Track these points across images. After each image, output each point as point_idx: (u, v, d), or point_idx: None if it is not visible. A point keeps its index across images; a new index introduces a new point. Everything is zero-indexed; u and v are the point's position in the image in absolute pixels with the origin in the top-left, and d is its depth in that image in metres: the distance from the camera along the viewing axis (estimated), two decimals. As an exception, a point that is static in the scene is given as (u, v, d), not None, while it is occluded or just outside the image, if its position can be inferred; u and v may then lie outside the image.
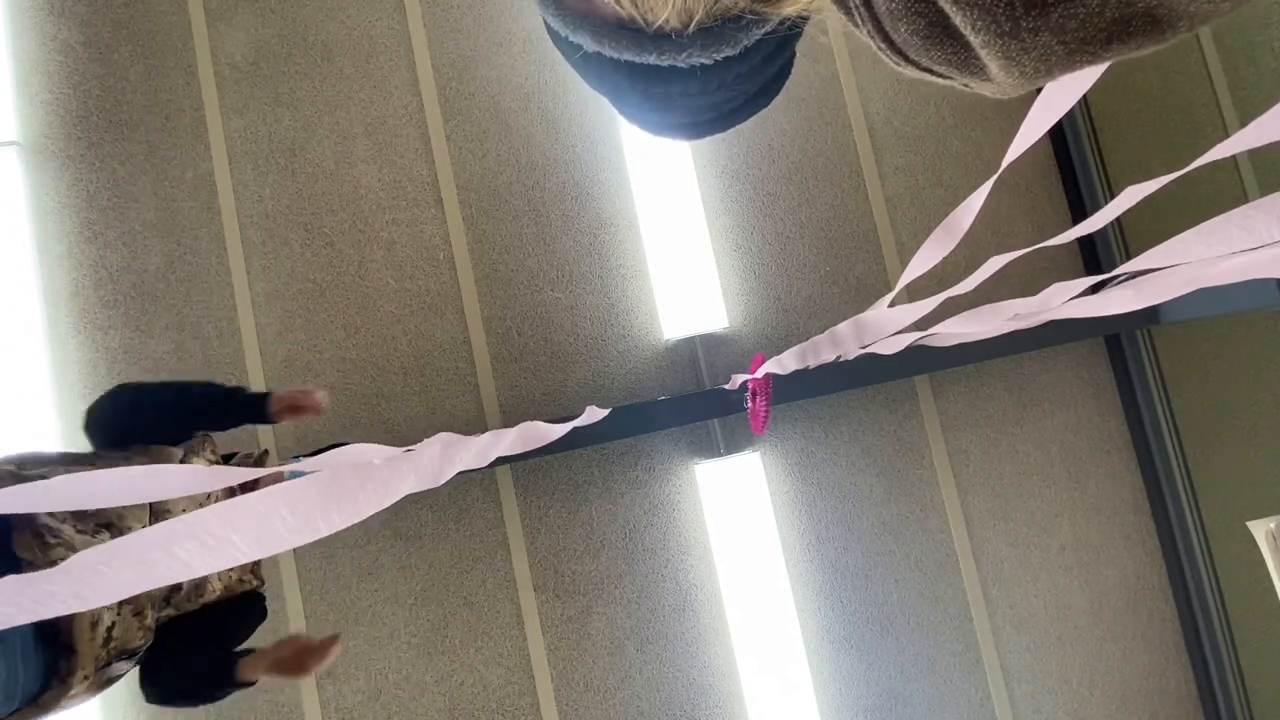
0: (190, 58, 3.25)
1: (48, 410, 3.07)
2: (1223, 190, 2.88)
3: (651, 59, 0.49)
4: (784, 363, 2.15)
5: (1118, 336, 3.41)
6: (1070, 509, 3.38)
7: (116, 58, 3.22)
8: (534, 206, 3.33)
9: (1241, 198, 2.84)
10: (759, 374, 2.53)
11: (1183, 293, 1.02)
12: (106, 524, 1.48)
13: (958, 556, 3.31)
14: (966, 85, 0.40)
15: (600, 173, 3.36)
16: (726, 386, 3.07)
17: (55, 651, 1.32)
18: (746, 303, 3.37)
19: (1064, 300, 1.24)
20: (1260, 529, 2.22)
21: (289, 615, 3.02)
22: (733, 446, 3.26)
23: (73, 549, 1.38)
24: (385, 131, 3.32)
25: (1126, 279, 1.15)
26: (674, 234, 3.33)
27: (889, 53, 0.39)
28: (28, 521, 1.35)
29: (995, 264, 1.22)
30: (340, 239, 3.26)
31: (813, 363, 2.01)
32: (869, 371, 3.12)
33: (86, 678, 1.35)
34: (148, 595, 1.48)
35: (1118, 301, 1.19)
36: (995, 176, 1.19)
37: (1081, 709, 3.30)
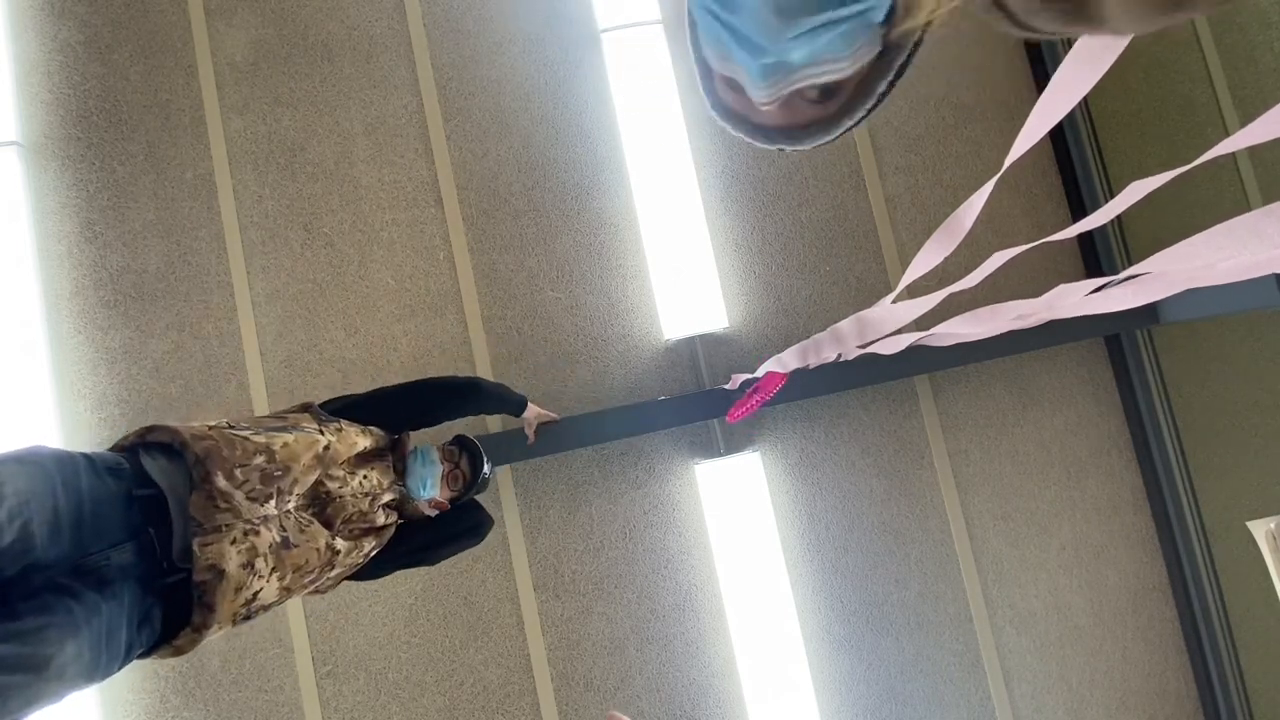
0: (190, 57, 3.25)
1: (48, 410, 3.07)
2: (1223, 192, 2.88)
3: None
4: (784, 360, 2.15)
5: (1118, 336, 3.41)
6: (1070, 509, 3.38)
7: (116, 58, 3.22)
8: (534, 206, 3.33)
9: (1241, 197, 2.84)
10: (760, 372, 2.53)
11: (1181, 290, 1.02)
12: (277, 491, 1.52)
13: (958, 556, 3.31)
14: (1067, 33, 0.43)
15: (600, 173, 3.36)
16: (727, 386, 3.07)
17: (189, 610, 1.35)
18: (747, 303, 3.37)
19: (1068, 302, 1.24)
20: (1260, 529, 2.22)
21: (289, 614, 3.02)
22: (733, 446, 3.26)
23: (239, 517, 1.40)
24: (385, 131, 3.32)
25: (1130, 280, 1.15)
26: (674, 234, 3.33)
27: (1001, 18, 0.44)
28: (209, 481, 1.38)
29: (998, 260, 1.22)
30: (340, 239, 3.26)
31: (814, 361, 2.01)
32: (869, 371, 3.12)
33: (221, 628, 1.40)
34: (297, 571, 1.51)
35: (1117, 299, 1.19)
36: (997, 176, 1.18)
37: (1082, 709, 3.29)
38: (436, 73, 3.34)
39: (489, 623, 3.12)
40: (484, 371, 3.23)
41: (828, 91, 0.59)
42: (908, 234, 3.41)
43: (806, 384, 3.01)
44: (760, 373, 2.64)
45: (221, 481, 1.40)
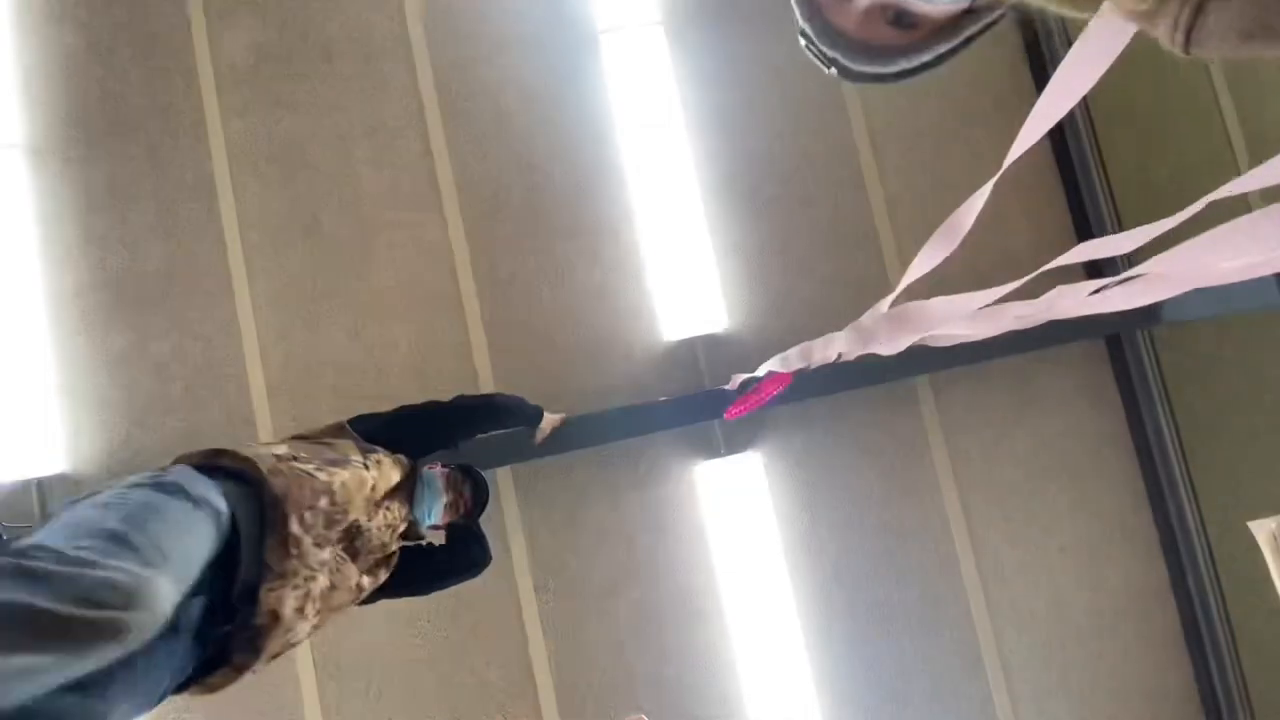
0: (190, 60, 3.25)
1: (52, 411, 3.06)
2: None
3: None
4: (788, 359, 2.15)
5: (1118, 336, 3.41)
6: (1071, 509, 3.38)
7: (117, 60, 3.23)
8: (534, 208, 3.33)
9: (1240, 198, 2.84)
10: (761, 371, 2.53)
11: (1181, 290, 1.02)
12: (349, 536, 1.47)
13: (958, 556, 3.31)
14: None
15: (601, 174, 3.36)
16: (727, 387, 3.07)
17: (228, 649, 1.30)
18: (747, 304, 3.37)
19: (1069, 303, 1.24)
20: (1261, 529, 2.22)
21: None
22: (733, 447, 3.26)
23: (304, 563, 1.34)
24: (386, 133, 3.32)
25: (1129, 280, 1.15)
26: (674, 235, 3.33)
27: (1181, 43, 0.47)
28: (284, 525, 1.32)
29: (1083, 252, 1.21)
30: (341, 241, 3.26)
31: (817, 360, 2.01)
32: (869, 371, 3.12)
33: (255, 671, 1.36)
34: (332, 612, 1.49)
35: (1117, 299, 1.19)
36: (996, 176, 1.18)
37: (1083, 709, 3.29)
38: (436, 75, 3.34)
39: (489, 623, 3.12)
40: (484, 373, 3.23)
41: (907, 21, 0.62)
42: (908, 235, 3.41)
43: (807, 384, 3.01)
44: (761, 372, 2.64)
45: (295, 526, 1.33)
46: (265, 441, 1.52)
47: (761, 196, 3.41)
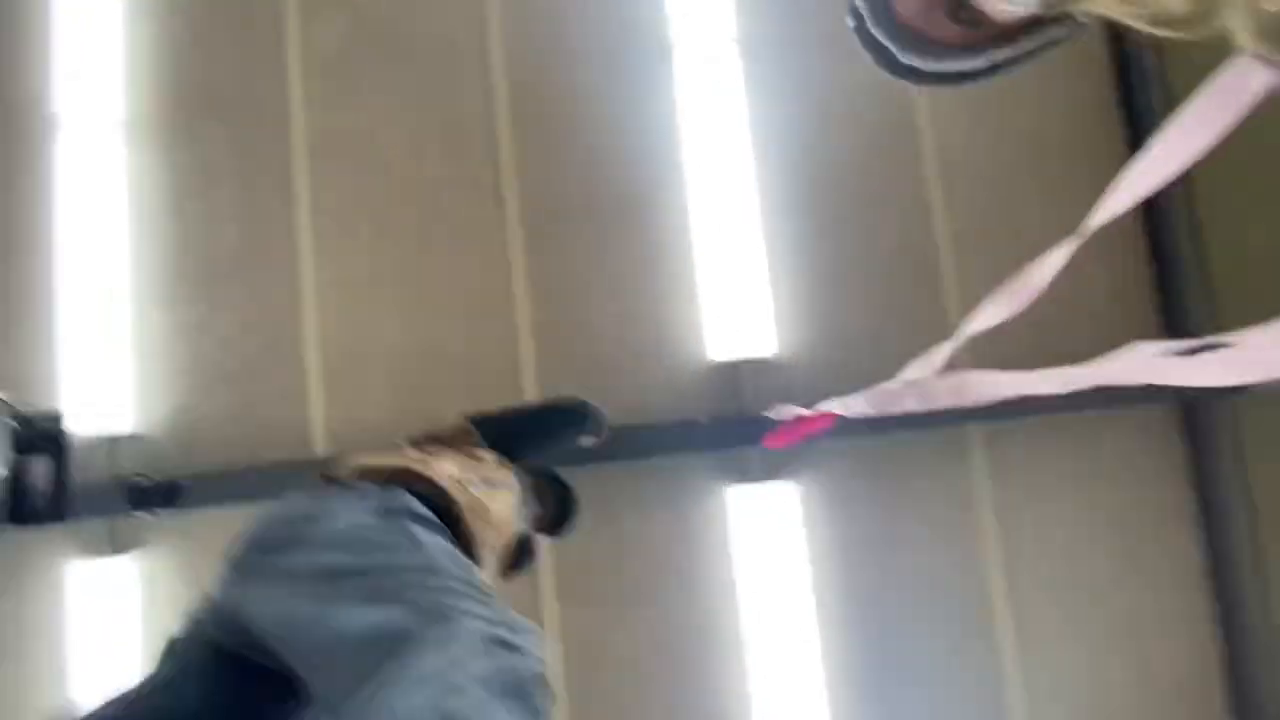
0: (280, 50, 3.38)
1: (126, 373, 3.26)
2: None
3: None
4: (849, 404, 2.06)
5: (1195, 403, 3.19)
6: (1122, 579, 3.18)
7: (213, 46, 3.39)
8: (594, 215, 3.34)
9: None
10: (815, 410, 2.46)
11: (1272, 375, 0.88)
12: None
13: (994, 615, 3.17)
14: None
15: (663, 189, 3.34)
16: (770, 414, 3.00)
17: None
18: (797, 330, 3.30)
19: (1143, 366, 1.11)
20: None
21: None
22: (769, 474, 3.20)
23: None
24: (456, 132, 3.39)
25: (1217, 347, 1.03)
26: (731, 255, 3.29)
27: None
28: (468, 555, 1.20)
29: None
30: (404, 234, 3.35)
31: (889, 410, 1.93)
32: (921, 414, 3.00)
33: None
34: None
35: (1198, 372, 1.04)
36: (1078, 240, 1.05)
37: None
38: (510, 78, 3.38)
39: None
40: (528, 375, 3.26)
41: (969, 18, 0.61)
42: (972, 273, 3.27)
43: (854, 420, 2.92)
44: (814, 411, 2.57)
45: (478, 551, 1.25)
46: (420, 453, 1.40)
47: (823, 221, 3.33)
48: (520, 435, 1.75)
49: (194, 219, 3.33)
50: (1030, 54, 0.64)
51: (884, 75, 0.70)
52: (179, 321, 3.28)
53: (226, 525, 3.14)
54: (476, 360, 3.28)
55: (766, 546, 3.16)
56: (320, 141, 3.37)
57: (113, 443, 3.16)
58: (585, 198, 3.35)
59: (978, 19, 0.61)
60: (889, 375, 3.35)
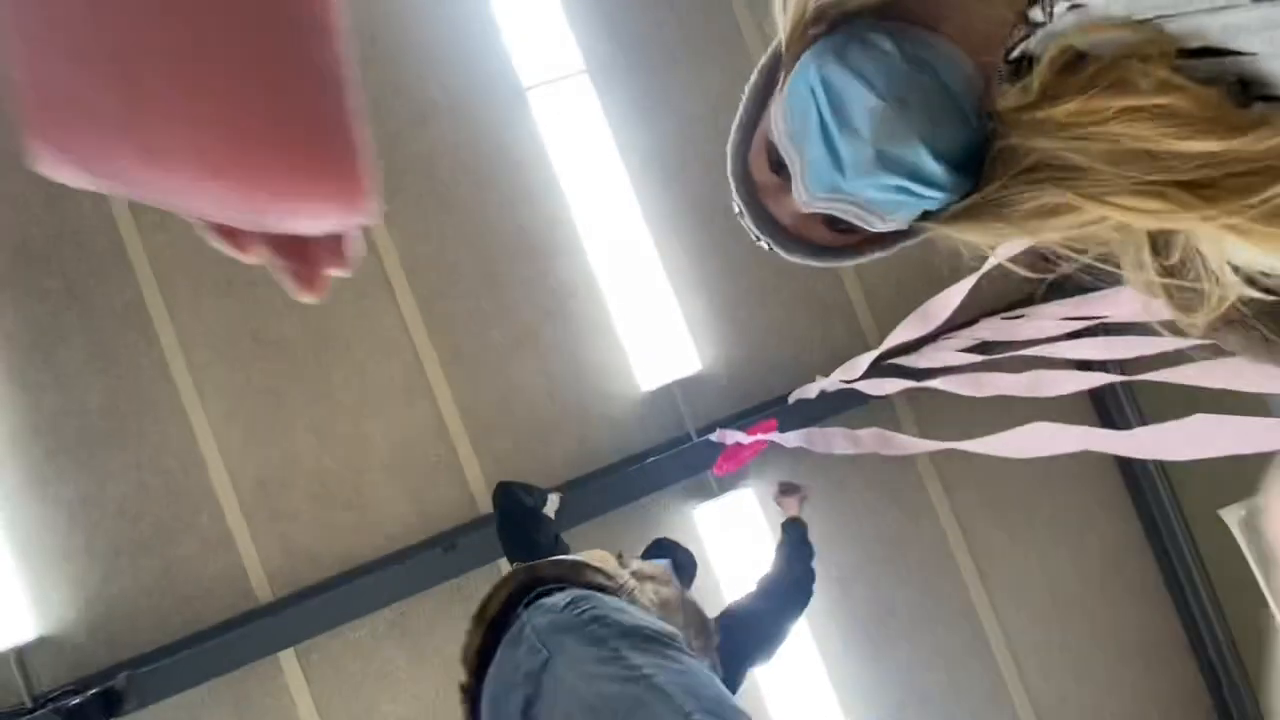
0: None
1: (9, 575, 2.87)
2: None
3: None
4: (787, 439, 2.17)
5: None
6: (1048, 483, 3.52)
7: (10, 189, 2.98)
8: (488, 279, 3.25)
9: None
10: (754, 438, 2.55)
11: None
12: None
13: (952, 550, 3.44)
14: None
15: (551, 232, 3.29)
16: (713, 438, 3.07)
17: None
18: (715, 339, 3.38)
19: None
20: (1232, 516, 2.37)
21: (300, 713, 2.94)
22: (725, 485, 3.28)
23: None
24: (320, 223, 3.17)
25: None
26: (634, 282, 3.30)
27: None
28: None
29: None
30: (292, 342, 3.13)
31: (821, 449, 2.04)
32: (850, 398, 3.17)
33: None
34: None
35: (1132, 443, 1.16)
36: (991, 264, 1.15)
37: (1082, 666, 3.48)
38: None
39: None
40: (466, 456, 3.16)
41: (843, 226, 0.63)
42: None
43: (792, 420, 3.04)
44: (749, 439, 2.66)
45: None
46: (596, 561, 1.50)
47: (710, 231, 3.39)
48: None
49: (45, 384, 2.96)
50: (904, 246, 0.68)
51: (738, 81, 0.73)
52: (59, 503, 2.92)
53: (192, 713, 2.86)
54: (407, 456, 3.14)
55: (741, 553, 3.25)
56: (169, 267, 3.07)
57: (20, 654, 2.80)
58: (474, 261, 3.25)
59: (850, 229, 0.64)
60: (809, 363, 3.48)
